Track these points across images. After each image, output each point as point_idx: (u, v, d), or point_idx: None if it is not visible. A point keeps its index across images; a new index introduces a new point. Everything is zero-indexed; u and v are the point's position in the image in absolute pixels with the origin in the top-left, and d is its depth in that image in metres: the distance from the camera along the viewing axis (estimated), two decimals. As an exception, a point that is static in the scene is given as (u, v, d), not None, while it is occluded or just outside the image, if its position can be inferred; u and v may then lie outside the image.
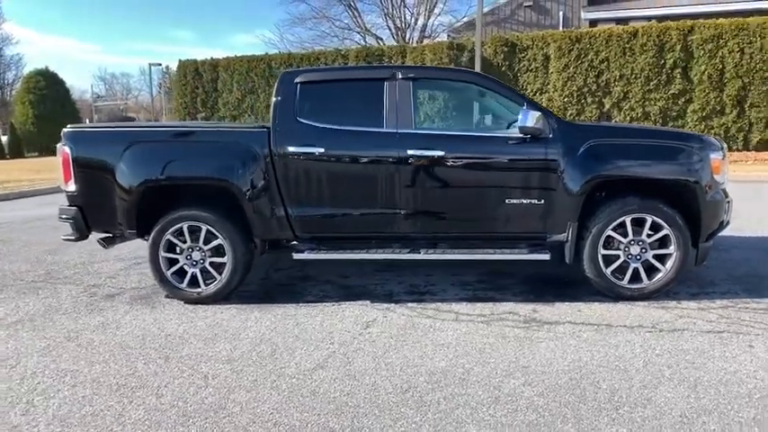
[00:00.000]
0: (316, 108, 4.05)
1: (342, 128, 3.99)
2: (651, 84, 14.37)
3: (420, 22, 25.19)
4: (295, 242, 4.32)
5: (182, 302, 4.22)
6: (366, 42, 24.79)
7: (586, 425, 2.43)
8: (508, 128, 4.14)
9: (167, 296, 4.37)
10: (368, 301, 4.16)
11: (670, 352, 3.12)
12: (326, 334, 3.55)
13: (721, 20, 13.71)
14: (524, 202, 3.90)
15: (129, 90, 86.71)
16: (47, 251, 6.16)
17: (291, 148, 3.97)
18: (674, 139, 3.97)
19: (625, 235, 3.91)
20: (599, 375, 2.88)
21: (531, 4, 21.80)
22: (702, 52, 13.76)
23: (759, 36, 13.22)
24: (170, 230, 4.10)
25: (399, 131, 3.94)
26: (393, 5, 24.80)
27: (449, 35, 23.29)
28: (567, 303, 3.99)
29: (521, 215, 3.94)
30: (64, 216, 4.28)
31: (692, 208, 3.85)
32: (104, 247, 4.44)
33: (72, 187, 4.17)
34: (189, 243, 4.13)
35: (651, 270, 3.95)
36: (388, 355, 3.21)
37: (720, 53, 13.58)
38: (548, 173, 3.86)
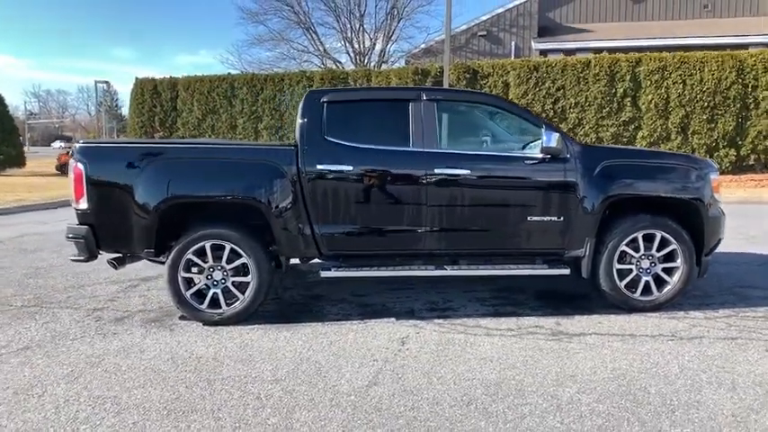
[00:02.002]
0: (342, 127, 4.09)
1: (370, 146, 4.06)
2: (604, 111, 15.31)
3: (378, 47, 25.77)
4: (317, 260, 4.31)
5: (200, 324, 4.08)
6: (325, 65, 25.00)
7: (651, 427, 2.57)
8: (523, 148, 4.35)
9: (181, 318, 4.23)
10: (393, 319, 4.18)
11: (699, 358, 3.35)
12: (365, 351, 3.55)
13: (665, 53, 14.89)
14: (545, 219, 4.09)
15: (66, 108, 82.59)
16: (26, 275, 5.77)
17: (320, 167, 3.98)
18: (678, 161, 4.31)
19: (637, 250, 4.16)
20: (644, 381, 3.04)
21: (485, 33, 22.83)
22: (649, 83, 14.85)
23: (698, 69, 14.46)
24: (191, 250, 3.99)
25: (426, 150, 4.05)
26: (352, 30, 25.25)
27: (407, 61, 23.93)
28: (585, 316, 4.18)
29: (541, 231, 4.11)
30: (73, 235, 4.06)
31: (695, 224, 4.17)
32: (115, 267, 4.24)
33: (84, 205, 3.98)
34: (211, 262, 4.02)
35: (660, 283, 4.22)
36: (436, 369, 3.25)
37: (665, 84, 14.71)
38: (566, 191, 4.07)
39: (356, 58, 25.39)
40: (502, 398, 2.89)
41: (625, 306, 4.20)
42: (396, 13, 24.69)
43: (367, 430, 2.59)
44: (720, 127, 14.57)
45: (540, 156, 4.06)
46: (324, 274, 4.10)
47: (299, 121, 4.12)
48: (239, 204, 4.03)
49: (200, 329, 4.00)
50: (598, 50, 17.62)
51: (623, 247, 4.13)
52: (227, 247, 3.99)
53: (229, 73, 18.43)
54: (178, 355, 3.53)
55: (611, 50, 16.58)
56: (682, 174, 4.17)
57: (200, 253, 4.02)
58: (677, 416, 2.67)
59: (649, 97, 14.89)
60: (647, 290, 4.20)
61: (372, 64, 25.11)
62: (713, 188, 4.19)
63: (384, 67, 23.61)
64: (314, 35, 25.44)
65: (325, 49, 25.38)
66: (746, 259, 5.92)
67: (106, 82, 45.66)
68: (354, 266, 4.17)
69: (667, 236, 4.12)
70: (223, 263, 4.02)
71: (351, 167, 3.99)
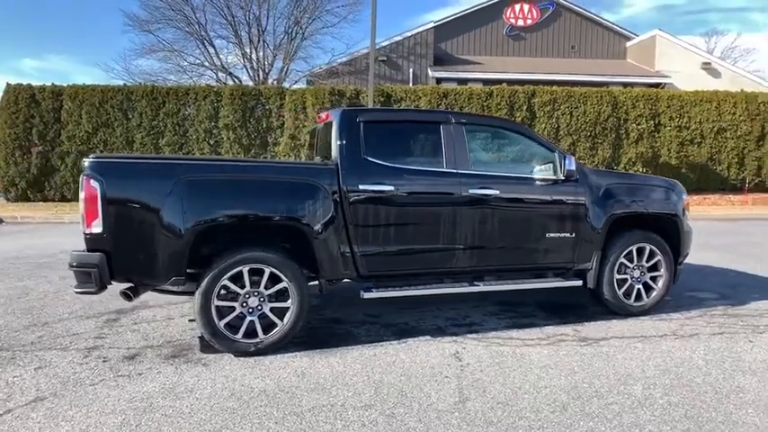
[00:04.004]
0: (380, 147, 4.13)
1: (409, 167, 4.15)
2: (505, 137, 16.75)
3: (278, 65, 25.40)
4: (350, 280, 4.24)
5: (231, 356, 3.78)
6: (222, 81, 24.01)
7: (722, 410, 3.00)
8: (532, 171, 4.72)
9: (203, 350, 3.90)
10: (428, 337, 4.25)
11: (711, 351, 3.92)
12: (430, 369, 3.59)
13: (555, 87, 16.80)
14: (561, 235, 4.49)
15: None
16: (-43, 315, 4.82)
17: (362, 186, 3.97)
18: (660, 183, 5.01)
19: (631, 261, 4.74)
20: (688, 374, 3.50)
21: (385, 59, 23.78)
22: (543, 113, 16.62)
23: (582, 103, 16.53)
24: (227, 275, 3.71)
25: (459, 171, 4.23)
26: (252, 46, 24.61)
27: (309, 80, 23.93)
28: (593, 323, 4.62)
29: (557, 247, 4.50)
30: (79, 264, 3.55)
31: (673, 237, 4.86)
32: (129, 299, 3.78)
33: (98, 229, 3.53)
34: (248, 288, 3.77)
35: (647, 290, 4.83)
36: (510, 380, 3.41)
37: (556, 114, 16.57)
38: (578, 209, 4.52)
39: (255, 75, 24.75)
40: (587, 400, 3.13)
41: (623, 312, 4.73)
42: (299, 30, 24.60)
43: (495, 443, 2.67)
44: (600, 154, 16.75)
45: (554, 177, 4.46)
46: (366, 295, 4.06)
47: (336, 140, 4.06)
48: (280, 225, 3.85)
49: (238, 362, 3.71)
50: (487, 81, 19.34)
51: (621, 259, 4.68)
52: (267, 271, 3.78)
53: (125, 84, 16.90)
54: (237, 390, 3.26)
55: (498, 82, 18.18)
56: (665, 194, 4.87)
57: (236, 278, 3.75)
58: (732, 399, 3.13)
59: (543, 126, 16.64)
60: (638, 296, 4.78)
61: (271, 81, 24.65)
62: (686, 206, 4.94)
63: (285, 85, 23.32)
64: (210, 47, 24.36)
65: (222, 65, 24.39)
66: (678, 267, 6.92)
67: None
68: (391, 287, 4.19)
69: (654, 248, 4.75)
70: (261, 288, 3.80)
71: (392, 188, 4.03)
